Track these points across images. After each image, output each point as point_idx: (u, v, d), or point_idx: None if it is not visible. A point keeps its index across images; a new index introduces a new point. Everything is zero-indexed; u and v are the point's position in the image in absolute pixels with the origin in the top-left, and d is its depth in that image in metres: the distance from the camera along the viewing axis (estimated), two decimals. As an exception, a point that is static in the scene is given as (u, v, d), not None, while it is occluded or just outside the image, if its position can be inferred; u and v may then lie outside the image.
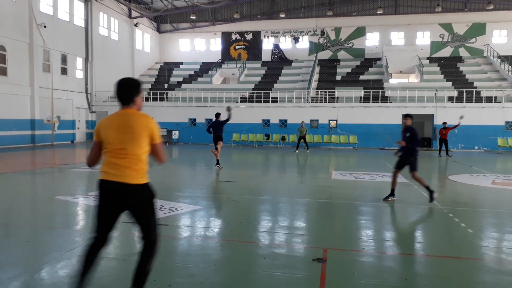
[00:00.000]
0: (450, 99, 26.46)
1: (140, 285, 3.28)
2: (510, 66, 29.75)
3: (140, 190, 3.18)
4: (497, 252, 5.24)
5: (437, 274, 4.36)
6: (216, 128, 13.73)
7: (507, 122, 25.17)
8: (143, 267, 3.29)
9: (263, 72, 35.12)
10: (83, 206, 7.56)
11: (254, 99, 28.83)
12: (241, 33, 38.62)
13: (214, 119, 14.17)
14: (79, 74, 28.91)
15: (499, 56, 31.69)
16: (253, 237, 5.74)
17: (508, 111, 25.08)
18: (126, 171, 3.14)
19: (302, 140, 22.24)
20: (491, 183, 11.23)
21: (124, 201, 3.18)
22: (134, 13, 34.97)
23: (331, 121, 27.32)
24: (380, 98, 27.06)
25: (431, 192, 8.09)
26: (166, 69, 36.71)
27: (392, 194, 8.46)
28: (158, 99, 30.52)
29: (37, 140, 24.05)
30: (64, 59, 27.12)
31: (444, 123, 20.86)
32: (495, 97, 25.94)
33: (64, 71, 27.12)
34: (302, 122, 22.76)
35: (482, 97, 25.98)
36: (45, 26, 24.33)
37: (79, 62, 28.89)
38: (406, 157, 8.28)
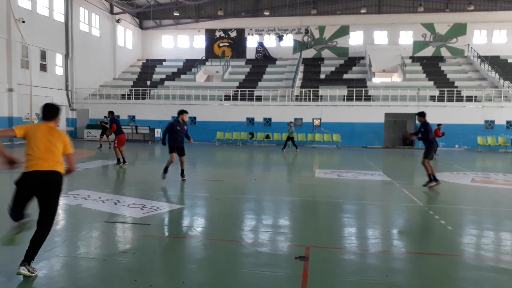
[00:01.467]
0: (432, 98, 26.88)
1: (32, 259, 4.08)
2: (489, 66, 30.38)
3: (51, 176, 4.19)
4: (476, 248, 5.34)
5: (418, 270, 4.42)
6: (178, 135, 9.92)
7: (486, 121, 25.71)
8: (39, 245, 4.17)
9: (247, 70, 35.06)
10: (62, 205, 7.40)
11: (238, 97, 28.76)
12: (225, 30, 38.45)
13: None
14: (59, 71, 28.34)
15: (479, 56, 32.34)
16: (236, 236, 5.71)
17: (487, 110, 25.63)
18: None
19: (290, 140, 21.74)
20: (470, 181, 11.45)
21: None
22: (116, 9, 34.44)
23: (315, 120, 27.46)
24: (363, 97, 27.31)
25: (430, 180, 9.73)
26: (149, 66, 36.30)
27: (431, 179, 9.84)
28: (141, 96, 30.16)
29: (15, 138, 23.45)
30: (43, 55, 26.54)
31: (439, 125, 20.21)
32: (475, 97, 26.47)
33: (43, 67, 26.54)
34: (290, 122, 22.32)
35: (462, 96, 26.48)
36: (23, 21, 23.75)
37: (59, 59, 28.31)
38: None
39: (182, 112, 9.95)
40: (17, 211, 4.19)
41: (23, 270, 3.95)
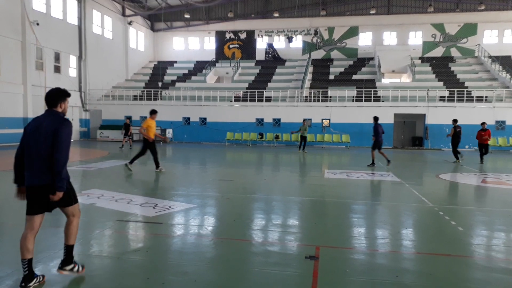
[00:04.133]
0: (442, 98, 26.69)
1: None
2: (500, 66, 30.06)
3: None
4: (487, 249, 5.33)
5: (428, 271, 4.43)
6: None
7: (497, 122, 25.44)
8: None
9: (257, 71, 35.15)
10: (76, 204, 7.54)
11: (248, 98, 28.86)
12: (235, 32, 38.60)
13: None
14: (73, 73, 28.75)
15: (490, 56, 32.01)
16: (247, 235, 5.78)
17: (498, 110, 25.36)
18: None
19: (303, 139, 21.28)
20: (481, 182, 11.38)
21: None
22: (128, 12, 34.81)
23: (324, 120, 27.43)
24: (372, 98, 27.22)
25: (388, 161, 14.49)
26: (160, 68, 36.62)
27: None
28: (152, 97, 30.44)
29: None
30: (57, 57, 26.95)
31: (483, 123, 17.52)
32: (486, 97, 26.20)
33: (57, 69, 26.96)
34: (304, 120, 22.10)
35: (473, 96, 26.24)
36: (38, 24, 24.17)
37: (73, 60, 28.72)
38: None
39: (67, 94, 4.08)
40: None
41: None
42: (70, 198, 4.01)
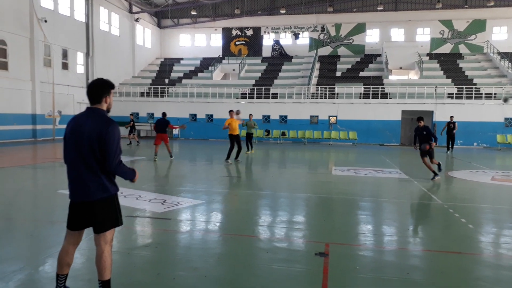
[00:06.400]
0: (450, 95, 26.49)
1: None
2: (510, 63, 29.73)
3: None
4: (497, 247, 5.28)
5: (438, 268, 4.41)
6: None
7: (506, 119, 25.20)
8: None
9: (264, 67, 35.09)
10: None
11: (255, 95, 28.83)
12: (241, 29, 38.54)
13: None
14: (80, 69, 28.88)
15: (499, 53, 31.66)
16: (255, 231, 5.78)
17: (507, 107, 25.11)
18: None
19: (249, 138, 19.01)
20: (490, 179, 11.28)
21: None
22: (135, 8, 34.88)
23: (331, 117, 27.34)
24: (380, 95, 27.07)
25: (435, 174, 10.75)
26: (167, 65, 36.66)
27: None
28: (159, 94, 30.51)
29: (38, 135, 24.07)
30: (65, 54, 27.09)
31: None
32: (495, 94, 25.96)
33: (65, 66, 27.09)
34: (250, 115, 20.13)
35: (481, 93, 26.00)
36: (45, 21, 24.29)
37: (80, 57, 28.84)
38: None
39: (111, 86, 3.46)
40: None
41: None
42: (117, 218, 3.44)
